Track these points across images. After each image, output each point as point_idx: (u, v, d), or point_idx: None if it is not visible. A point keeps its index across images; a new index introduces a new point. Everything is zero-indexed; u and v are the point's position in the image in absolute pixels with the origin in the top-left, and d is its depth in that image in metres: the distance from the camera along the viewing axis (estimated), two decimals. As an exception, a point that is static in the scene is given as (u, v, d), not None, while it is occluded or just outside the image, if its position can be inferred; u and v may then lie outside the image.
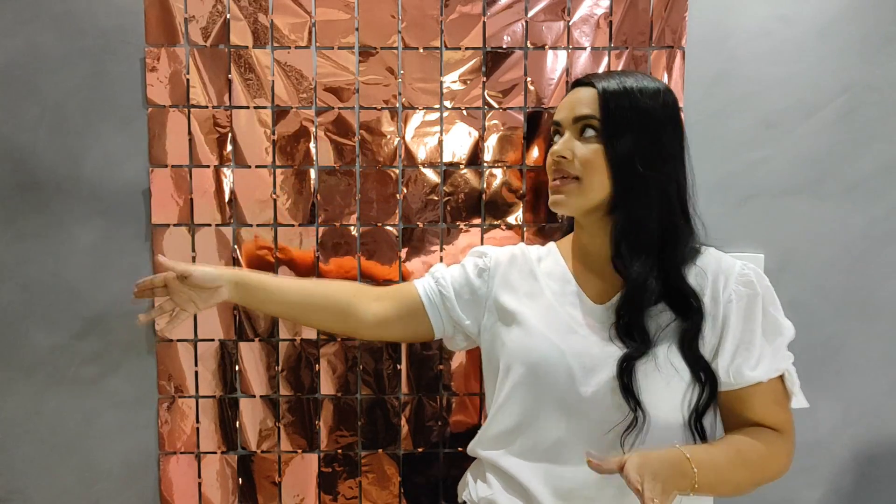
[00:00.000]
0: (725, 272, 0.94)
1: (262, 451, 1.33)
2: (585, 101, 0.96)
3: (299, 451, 1.33)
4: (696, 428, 0.92)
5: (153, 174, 1.28)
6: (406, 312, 1.10)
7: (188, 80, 1.27)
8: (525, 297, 1.02)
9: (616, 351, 0.92)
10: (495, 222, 1.31)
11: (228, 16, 1.26)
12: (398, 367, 1.33)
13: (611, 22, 1.28)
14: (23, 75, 1.26)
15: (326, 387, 1.33)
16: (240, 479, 1.33)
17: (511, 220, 1.31)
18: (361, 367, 1.32)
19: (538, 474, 0.96)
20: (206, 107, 1.28)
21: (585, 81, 0.99)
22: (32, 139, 1.27)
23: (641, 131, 0.93)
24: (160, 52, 1.26)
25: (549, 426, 0.95)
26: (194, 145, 1.28)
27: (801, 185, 1.32)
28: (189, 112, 1.27)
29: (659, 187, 0.94)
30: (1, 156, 1.27)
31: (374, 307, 1.10)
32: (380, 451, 1.34)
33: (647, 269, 0.93)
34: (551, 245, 1.10)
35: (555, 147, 0.97)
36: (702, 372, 0.91)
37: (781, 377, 0.94)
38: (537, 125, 1.30)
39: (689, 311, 0.92)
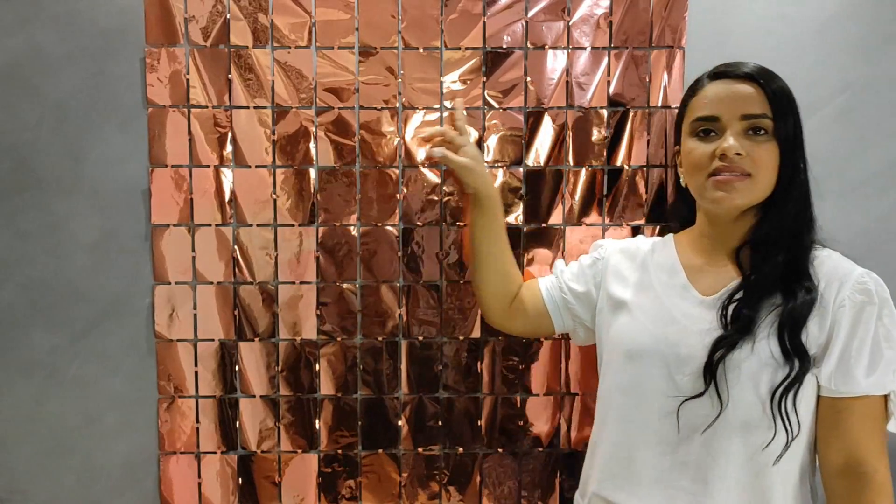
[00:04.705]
0: (841, 278, 0.93)
1: (262, 451, 1.33)
2: (752, 98, 0.95)
3: (299, 451, 1.33)
4: (779, 409, 0.89)
5: (153, 174, 1.28)
6: (531, 309, 1.18)
7: (188, 80, 1.27)
8: (634, 288, 1.06)
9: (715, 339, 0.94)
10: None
11: (228, 16, 1.26)
12: (398, 367, 1.33)
13: (611, 22, 1.28)
14: (23, 75, 1.26)
15: (326, 387, 1.32)
16: (240, 479, 1.33)
17: (511, 219, 1.31)
18: (361, 367, 1.32)
19: (636, 460, 0.99)
20: (206, 107, 1.28)
21: (739, 74, 0.97)
22: (33, 139, 1.27)
23: (797, 129, 0.97)
24: (160, 52, 1.26)
25: (643, 415, 0.98)
26: (194, 145, 1.28)
27: (802, 184, 1.32)
28: (189, 112, 1.28)
29: (805, 183, 0.98)
30: (1, 155, 1.27)
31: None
32: (380, 451, 1.34)
33: (777, 262, 0.95)
34: (669, 237, 1.12)
35: (728, 144, 0.94)
36: (795, 355, 0.89)
37: (886, 397, 0.91)
38: (537, 125, 1.30)
39: (799, 297, 0.92)
